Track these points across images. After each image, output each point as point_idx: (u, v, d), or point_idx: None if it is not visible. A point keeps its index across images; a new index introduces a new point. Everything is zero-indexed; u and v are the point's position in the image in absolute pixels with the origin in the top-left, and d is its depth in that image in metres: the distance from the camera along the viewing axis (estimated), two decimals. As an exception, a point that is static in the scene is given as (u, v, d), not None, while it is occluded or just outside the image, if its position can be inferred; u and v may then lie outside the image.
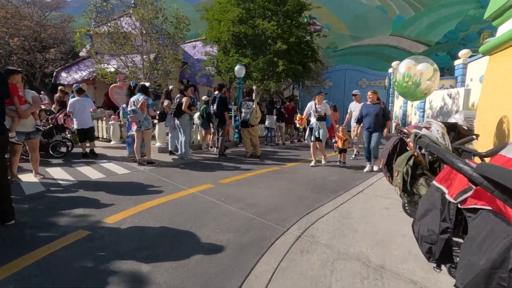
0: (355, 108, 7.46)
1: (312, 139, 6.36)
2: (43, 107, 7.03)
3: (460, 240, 1.59)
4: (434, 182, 1.54)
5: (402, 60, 7.37)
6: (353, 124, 7.31)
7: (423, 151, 2.78)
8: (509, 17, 3.85)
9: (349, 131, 7.39)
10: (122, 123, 8.85)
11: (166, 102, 7.29)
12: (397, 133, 3.62)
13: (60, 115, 6.58)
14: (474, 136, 2.66)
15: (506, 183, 0.84)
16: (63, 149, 6.67)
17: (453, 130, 3.30)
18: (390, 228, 3.12)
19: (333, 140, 8.39)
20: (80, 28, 10.92)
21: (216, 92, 7.33)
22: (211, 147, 8.48)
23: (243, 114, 7.48)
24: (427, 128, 2.95)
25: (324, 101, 9.44)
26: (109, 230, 2.95)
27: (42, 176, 4.87)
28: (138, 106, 5.92)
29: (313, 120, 6.36)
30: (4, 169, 3.06)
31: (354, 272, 2.27)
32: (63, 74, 14.82)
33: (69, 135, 7.29)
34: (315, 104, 6.34)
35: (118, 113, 8.46)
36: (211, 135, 8.48)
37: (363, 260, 2.44)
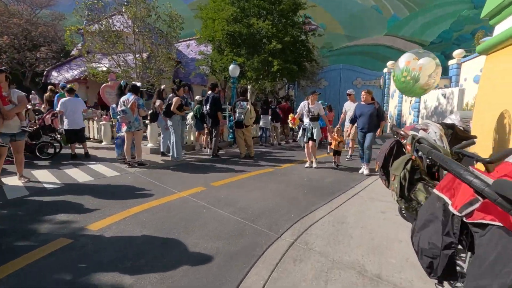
0: (349, 107, 7.36)
1: (304, 140, 6.22)
2: (29, 106, 6.81)
3: (463, 254, 1.48)
4: (435, 191, 1.42)
5: (397, 60, 7.29)
6: (347, 124, 7.21)
7: (420, 153, 2.68)
8: (506, 16, 3.77)
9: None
10: (113, 123, 8.65)
11: (158, 102, 7.11)
12: (393, 135, 3.52)
13: (48, 116, 6.37)
14: (474, 140, 2.55)
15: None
16: (51, 151, 6.47)
17: (451, 131, 3.20)
18: (386, 233, 3.01)
19: (327, 141, 8.20)
20: (70, 26, 10.65)
21: (209, 92, 7.18)
22: (205, 147, 8.33)
23: (237, 114, 7.34)
24: (425, 130, 2.85)
25: (320, 101, 9.35)
26: (92, 238, 2.79)
27: (26, 180, 4.67)
28: (128, 106, 5.75)
29: (306, 120, 6.21)
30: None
31: (350, 283, 2.15)
32: (54, 73, 14.52)
33: (58, 136, 7.09)
34: (308, 104, 6.19)
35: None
36: (205, 136, 8.33)
37: (358, 269, 2.33)
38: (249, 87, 12.37)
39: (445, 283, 1.50)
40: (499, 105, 3.57)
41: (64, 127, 6.55)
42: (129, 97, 5.82)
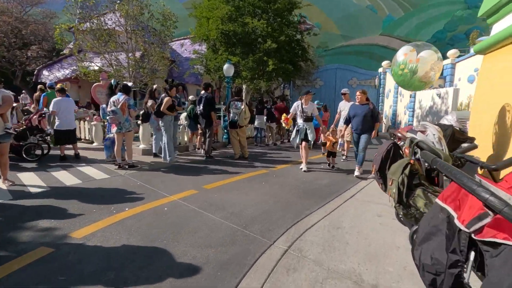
0: (344, 107, 7.23)
1: (297, 141, 6.05)
2: (14, 105, 6.58)
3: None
4: (438, 201, 1.31)
5: (394, 55, 7.16)
6: (341, 124, 7.08)
7: (418, 155, 2.58)
8: (504, 15, 3.70)
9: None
10: (104, 123, 8.46)
11: (150, 102, 6.95)
12: (390, 136, 3.43)
13: (35, 116, 6.17)
14: (476, 144, 2.45)
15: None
16: (39, 152, 6.26)
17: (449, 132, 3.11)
18: (383, 239, 2.91)
19: (319, 142, 8.00)
20: (61, 24, 10.40)
21: (203, 92, 7.02)
22: (198, 148, 8.18)
23: (231, 115, 7.20)
24: (423, 132, 2.75)
25: (316, 101, 9.26)
26: (74, 247, 2.64)
27: (11, 183, 4.48)
28: (119, 106, 5.58)
29: (299, 121, 6.04)
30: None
31: (345, 294, 2.04)
32: (45, 72, 14.21)
33: (48, 137, 6.88)
34: (302, 104, 6.01)
35: (104, 113, 8.10)
36: (199, 137, 8.17)
37: (355, 279, 2.22)
38: (244, 86, 12.25)
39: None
40: (498, 104, 3.49)
41: (56, 128, 6.37)
42: (119, 97, 5.65)
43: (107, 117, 5.73)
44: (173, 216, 3.42)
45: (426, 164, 2.41)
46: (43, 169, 5.56)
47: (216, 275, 2.27)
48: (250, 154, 7.68)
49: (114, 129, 5.73)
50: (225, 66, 9.24)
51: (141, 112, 7.31)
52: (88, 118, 9.38)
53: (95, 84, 10.20)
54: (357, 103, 5.78)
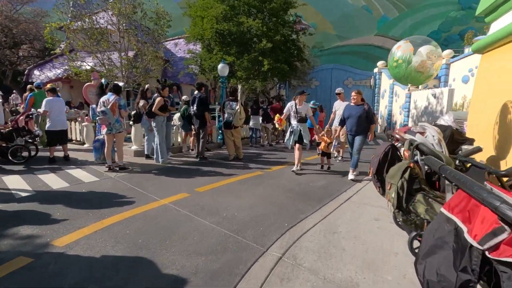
0: (339, 107, 7.08)
1: (291, 142, 5.86)
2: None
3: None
4: (444, 211, 1.19)
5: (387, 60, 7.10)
6: (336, 124, 6.94)
7: (416, 158, 2.47)
8: (503, 13, 3.62)
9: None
10: (96, 124, 8.27)
11: (141, 102, 6.78)
12: (387, 138, 3.32)
13: (21, 117, 5.97)
14: (481, 147, 2.34)
15: None
16: (26, 154, 6.06)
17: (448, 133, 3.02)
18: (380, 244, 2.80)
19: (314, 143, 7.85)
20: (51, 22, 10.15)
21: (196, 92, 6.87)
22: (192, 149, 8.02)
23: (226, 115, 7.06)
24: (422, 133, 2.65)
25: (312, 101, 9.15)
26: (56, 256, 2.49)
27: (-6, 187, 4.31)
28: (109, 107, 5.42)
29: (293, 122, 5.86)
30: None
31: (342, 306, 1.92)
32: (36, 72, 13.91)
33: (37, 139, 6.68)
34: (296, 104, 5.82)
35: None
36: (192, 137, 8.02)
37: (352, 289, 2.10)
38: (239, 86, 12.11)
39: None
40: (496, 104, 3.41)
41: (49, 128, 6.18)
42: (109, 97, 5.48)
43: (97, 118, 5.56)
44: (163, 221, 3.28)
45: (426, 167, 2.30)
46: (30, 171, 5.37)
47: (205, 285, 2.13)
48: (245, 155, 7.55)
49: (104, 130, 5.56)
50: (220, 66, 9.11)
51: (133, 113, 7.14)
52: (79, 119, 9.18)
53: (87, 84, 9.97)
54: (352, 104, 5.57)
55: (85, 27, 9.95)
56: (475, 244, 0.94)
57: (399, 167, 2.15)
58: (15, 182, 4.68)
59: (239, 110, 6.99)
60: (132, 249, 2.64)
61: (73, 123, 9.28)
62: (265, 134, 10.31)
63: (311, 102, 8.75)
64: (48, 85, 7.32)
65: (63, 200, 3.87)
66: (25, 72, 14.09)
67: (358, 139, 5.40)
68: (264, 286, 2.11)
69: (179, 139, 8.37)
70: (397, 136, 2.81)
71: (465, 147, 2.85)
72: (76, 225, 3.11)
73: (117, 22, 10.20)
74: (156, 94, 6.35)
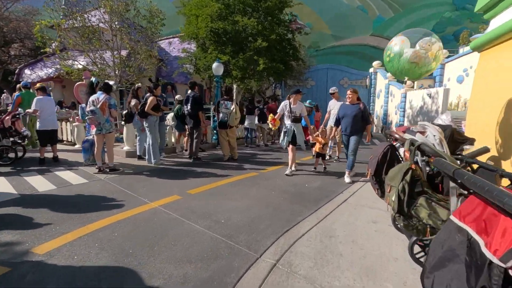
0: (333, 106, 6.92)
1: (284, 143, 5.71)
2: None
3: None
4: (454, 219, 1.07)
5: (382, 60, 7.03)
6: (331, 124, 6.79)
7: (416, 158, 2.36)
8: (503, 9, 3.53)
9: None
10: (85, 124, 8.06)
11: (133, 102, 6.60)
12: (386, 138, 3.22)
13: (7, 117, 5.76)
14: (488, 147, 2.24)
15: None
16: (12, 155, 5.86)
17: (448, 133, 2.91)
18: (379, 248, 2.68)
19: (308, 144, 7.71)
20: (41, 20, 9.90)
21: (189, 91, 6.72)
22: (186, 150, 7.86)
23: (221, 115, 6.92)
24: (422, 132, 2.54)
25: (308, 100, 9.03)
26: (35, 265, 2.33)
27: (-24, 190, 4.12)
28: (98, 106, 5.24)
29: (287, 122, 5.68)
30: None
31: (340, 318, 1.80)
32: (27, 71, 13.63)
33: (25, 139, 6.46)
34: (290, 104, 5.65)
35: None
36: (186, 137, 7.86)
37: (350, 299, 1.98)
38: (234, 86, 11.97)
39: None
40: (495, 103, 3.32)
41: (40, 128, 5.99)
42: (99, 96, 5.31)
43: (86, 118, 5.38)
44: (152, 226, 3.13)
45: (428, 169, 2.19)
46: (17, 173, 5.17)
47: (194, 297, 2.00)
48: (240, 155, 7.42)
49: (93, 130, 5.39)
50: (215, 65, 8.97)
51: (124, 112, 6.96)
52: (71, 119, 8.97)
53: (78, 83, 9.76)
54: (347, 103, 5.38)
55: (76, 25, 9.72)
56: (495, 260, 0.81)
57: (400, 169, 2.03)
58: (0, 185, 4.49)
59: (234, 109, 6.86)
60: (117, 256, 2.48)
61: (63, 123, 9.06)
62: (261, 134, 10.19)
63: (307, 102, 8.64)
64: (38, 84, 7.11)
65: (48, 204, 3.70)
66: (16, 72, 13.80)
67: (353, 140, 5.23)
68: (257, 297, 1.98)
69: (173, 139, 8.21)
70: (396, 136, 2.70)
71: (466, 147, 2.75)
72: (60, 230, 2.95)
73: (109, 20, 9.99)
74: (148, 94, 6.18)
